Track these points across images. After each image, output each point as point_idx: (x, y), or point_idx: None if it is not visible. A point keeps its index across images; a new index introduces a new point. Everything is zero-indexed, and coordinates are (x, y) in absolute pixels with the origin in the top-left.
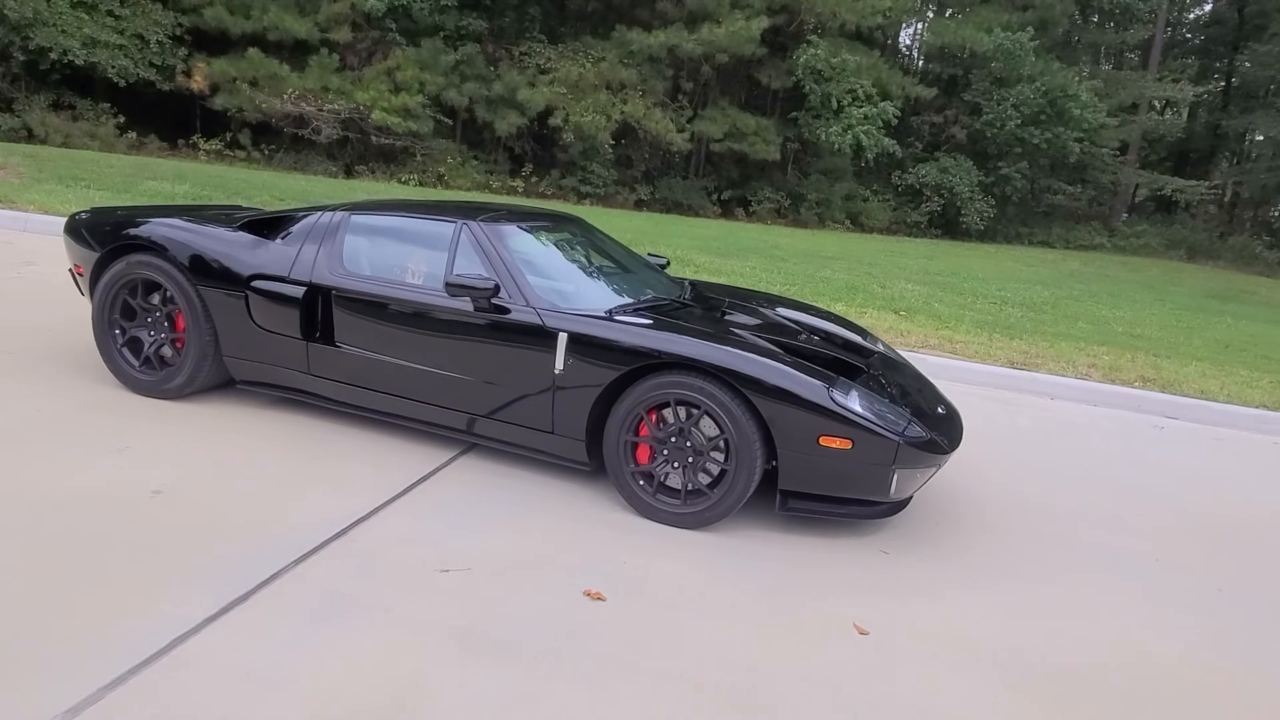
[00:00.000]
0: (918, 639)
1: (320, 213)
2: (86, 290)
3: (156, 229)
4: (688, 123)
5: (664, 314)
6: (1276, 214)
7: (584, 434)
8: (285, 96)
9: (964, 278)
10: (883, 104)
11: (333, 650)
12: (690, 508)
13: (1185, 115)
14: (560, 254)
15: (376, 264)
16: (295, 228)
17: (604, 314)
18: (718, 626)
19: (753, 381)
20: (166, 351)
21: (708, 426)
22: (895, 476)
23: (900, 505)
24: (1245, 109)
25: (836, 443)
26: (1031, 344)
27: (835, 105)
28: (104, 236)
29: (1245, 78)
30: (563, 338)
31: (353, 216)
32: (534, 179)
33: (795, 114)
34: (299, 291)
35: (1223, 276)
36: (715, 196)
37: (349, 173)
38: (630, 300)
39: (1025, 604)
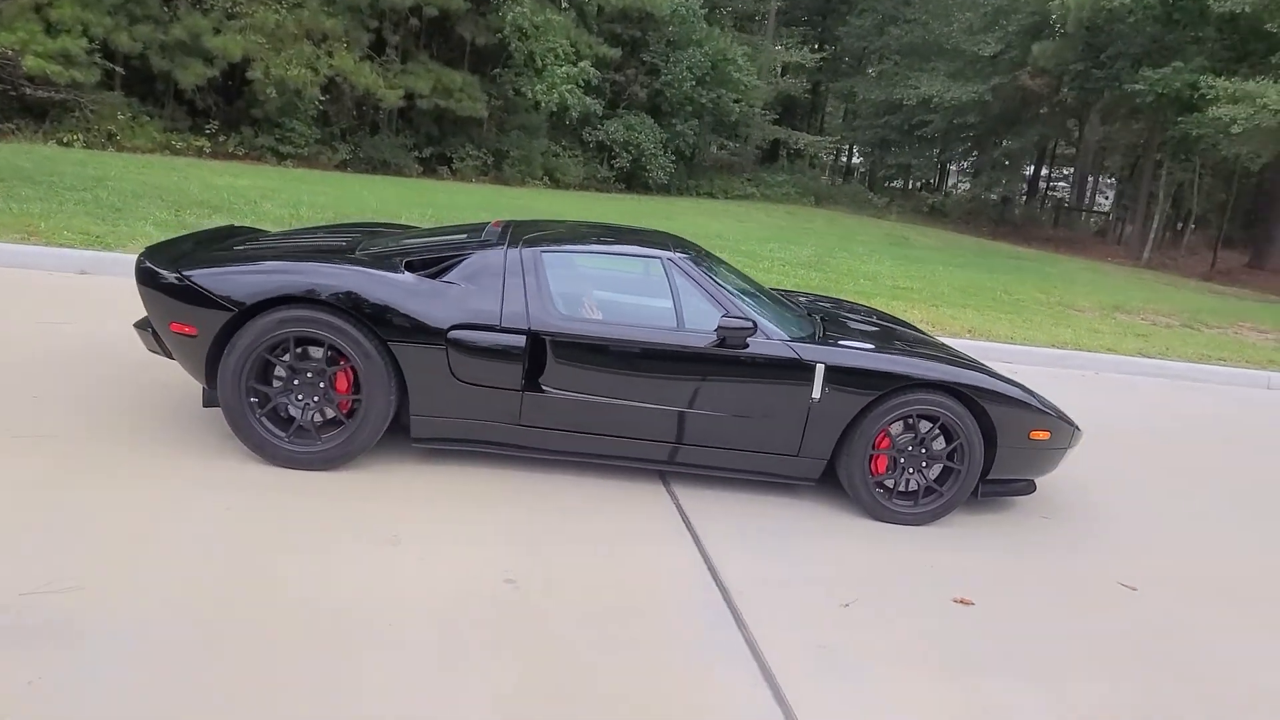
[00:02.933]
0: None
1: (483, 250)
2: (193, 354)
3: (325, 279)
4: (394, 78)
5: (864, 337)
6: (889, 166)
7: (829, 454)
8: None
9: (708, 238)
10: (581, 64)
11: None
12: (924, 508)
13: (805, 79)
14: (733, 283)
15: (596, 305)
16: (467, 268)
17: (856, 346)
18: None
19: (986, 393)
20: (317, 417)
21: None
22: (1065, 456)
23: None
24: (846, 74)
25: (1042, 435)
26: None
27: (539, 64)
28: (240, 290)
29: (843, 48)
30: (820, 368)
31: (543, 253)
32: (221, 138)
33: (498, 71)
34: (518, 340)
35: (881, 225)
36: (417, 155)
37: None
38: (813, 327)
39: None
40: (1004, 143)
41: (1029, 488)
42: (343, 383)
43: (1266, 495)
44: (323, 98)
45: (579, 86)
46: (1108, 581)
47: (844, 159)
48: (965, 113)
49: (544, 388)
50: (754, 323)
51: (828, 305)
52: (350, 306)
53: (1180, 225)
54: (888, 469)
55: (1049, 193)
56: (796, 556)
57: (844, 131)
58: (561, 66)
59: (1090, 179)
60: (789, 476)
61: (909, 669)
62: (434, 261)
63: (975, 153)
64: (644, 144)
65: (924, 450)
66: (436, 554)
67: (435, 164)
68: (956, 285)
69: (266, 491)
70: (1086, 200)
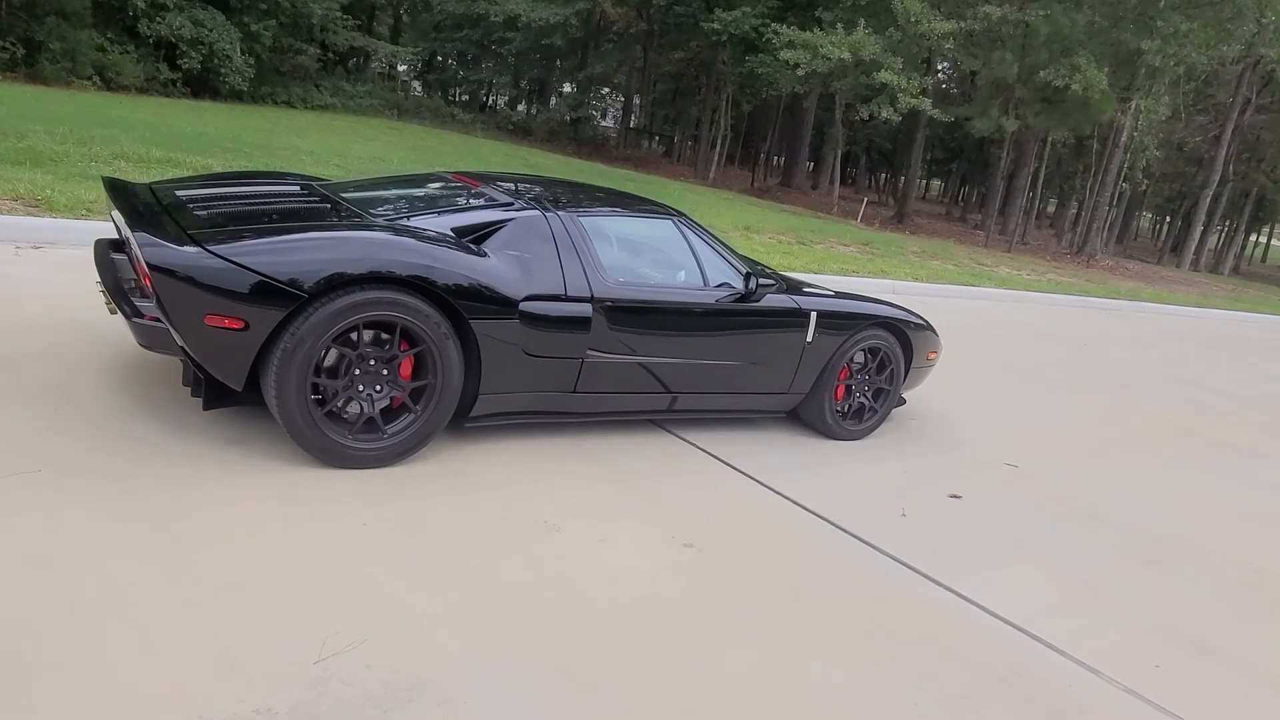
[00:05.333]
0: None
1: (524, 215)
2: (235, 351)
3: (402, 255)
4: None
5: (795, 284)
6: (470, 81)
7: (808, 388)
8: None
9: (363, 160)
10: None
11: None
12: (865, 424)
13: None
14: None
15: (634, 268)
16: (513, 235)
17: (831, 293)
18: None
19: (910, 324)
20: (377, 409)
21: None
22: None
23: None
24: None
25: (934, 355)
26: None
27: None
28: (305, 271)
29: None
30: (813, 315)
31: (582, 218)
32: None
33: None
34: (584, 309)
35: (490, 145)
36: None
37: None
38: (781, 279)
39: None
40: (586, 66)
41: (903, 401)
42: (406, 367)
43: (1030, 382)
44: None
45: None
46: (997, 464)
47: (421, 71)
48: (550, 34)
49: (601, 353)
50: (774, 278)
51: None
52: (428, 284)
53: (738, 150)
54: (843, 396)
55: (624, 116)
56: (842, 480)
57: (423, 43)
58: None
59: (638, 102)
60: (775, 411)
61: (962, 539)
62: (474, 229)
63: (558, 74)
64: (216, 43)
65: (868, 377)
66: (601, 533)
67: None
68: None
69: (361, 501)
70: (646, 123)
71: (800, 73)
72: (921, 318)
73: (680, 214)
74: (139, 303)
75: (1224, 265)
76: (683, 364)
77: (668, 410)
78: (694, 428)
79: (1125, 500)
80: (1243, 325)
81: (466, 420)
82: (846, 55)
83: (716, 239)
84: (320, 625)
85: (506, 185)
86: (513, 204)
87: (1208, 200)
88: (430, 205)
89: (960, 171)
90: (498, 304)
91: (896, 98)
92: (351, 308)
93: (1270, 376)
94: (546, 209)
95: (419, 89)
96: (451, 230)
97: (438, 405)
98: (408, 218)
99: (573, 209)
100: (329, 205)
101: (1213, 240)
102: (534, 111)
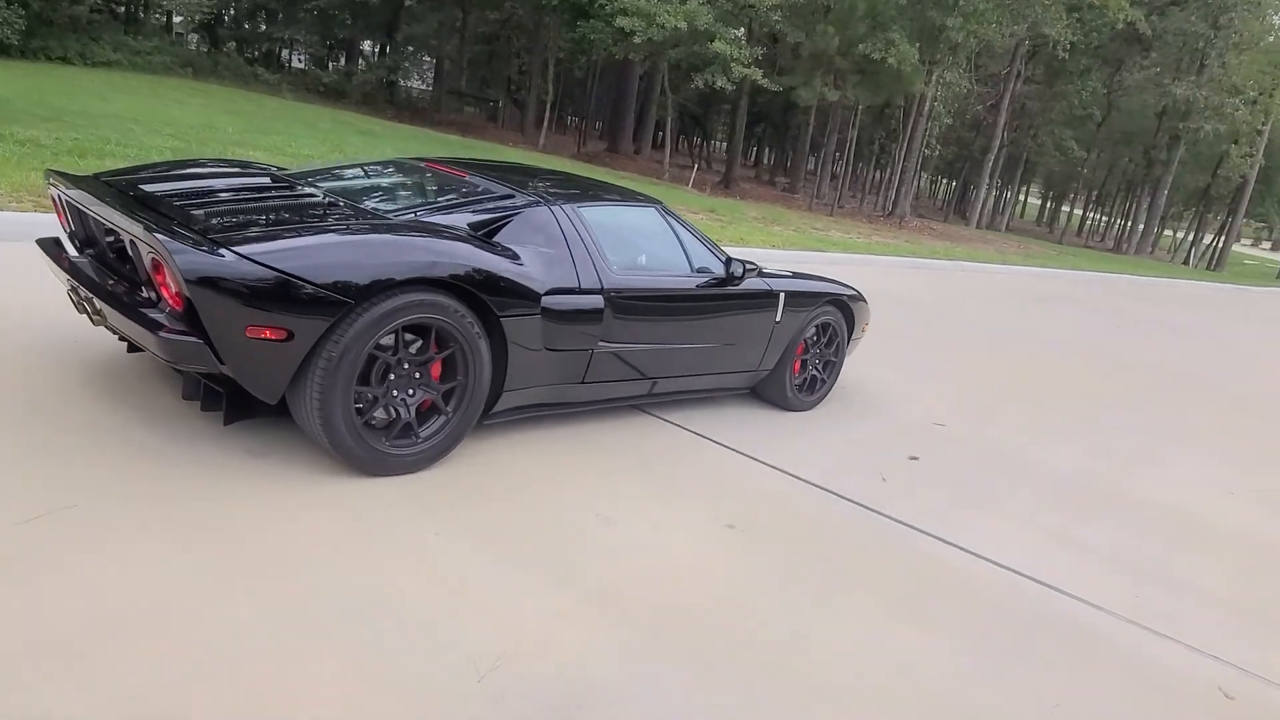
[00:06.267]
0: None
1: (527, 208)
2: (275, 364)
3: (442, 255)
4: None
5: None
6: (271, 39)
7: (774, 364)
8: None
9: (193, 130)
10: None
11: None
12: (817, 396)
13: None
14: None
15: (631, 257)
16: (522, 229)
17: (789, 274)
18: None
19: (854, 298)
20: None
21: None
22: None
23: None
24: None
25: (866, 325)
26: None
27: None
28: (354, 275)
29: None
30: (782, 295)
31: (581, 210)
32: None
33: None
34: (597, 301)
35: (312, 109)
36: None
37: None
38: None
39: None
40: (399, 26)
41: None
42: (436, 369)
43: (910, 344)
44: None
45: None
46: (927, 424)
47: (205, 25)
48: None
49: (608, 343)
50: (752, 263)
51: None
52: (467, 283)
53: (562, 116)
54: (800, 370)
55: (438, 79)
56: (818, 450)
57: None
58: None
59: (453, 66)
60: (742, 388)
61: (937, 497)
62: (486, 224)
63: (368, 33)
64: None
65: (819, 350)
66: (650, 521)
67: None
68: None
69: (419, 510)
70: (464, 87)
71: (637, 40)
72: (857, 290)
73: (659, 202)
74: (151, 313)
75: (1001, 222)
76: (673, 349)
77: (649, 395)
78: (669, 409)
79: (1039, 451)
80: (1056, 281)
81: (486, 417)
82: (683, 24)
83: (692, 226)
84: (456, 640)
85: (494, 175)
86: (514, 196)
87: (990, 164)
88: (431, 199)
89: (760, 137)
90: (526, 300)
91: (730, 67)
92: (394, 311)
93: (1106, 330)
94: (549, 201)
95: (198, 43)
96: (468, 226)
97: (469, 405)
98: (416, 214)
99: (570, 201)
100: (332, 201)
101: (990, 199)
102: (346, 72)
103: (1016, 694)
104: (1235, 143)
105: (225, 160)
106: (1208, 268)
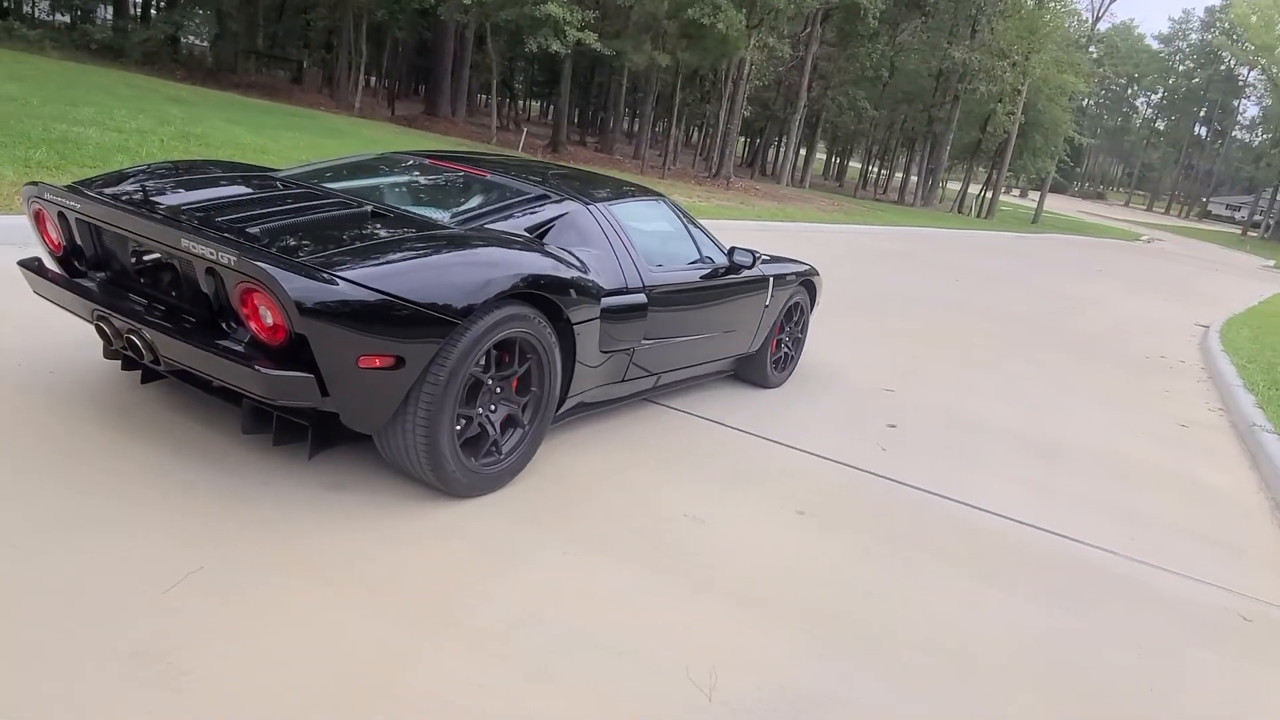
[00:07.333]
0: None
1: (567, 208)
2: (385, 392)
3: (530, 268)
4: None
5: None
6: None
7: (760, 345)
8: None
9: None
10: None
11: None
12: (787, 372)
13: None
14: None
15: (657, 253)
16: (567, 231)
17: (767, 256)
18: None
19: (814, 276)
20: (491, 430)
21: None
22: None
23: None
24: None
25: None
26: None
27: None
28: (455, 295)
29: None
30: (770, 280)
31: (613, 207)
32: None
33: None
34: (641, 299)
35: (100, 73)
36: None
37: None
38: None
39: None
40: None
41: None
42: (515, 382)
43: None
44: None
45: None
46: (879, 390)
47: None
48: None
49: (648, 340)
50: (755, 250)
51: None
52: (549, 292)
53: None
54: (776, 349)
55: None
56: (815, 425)
57: None
58: None
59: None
60: (728, 371)
61: (934, 461)
62: (534, 229)
63: None
64: None
65: (790, 328)
66: (729, 516)
67: None
68: (311, 145)
69: (532, 529)
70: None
71: (467, 1)
72: (813, 266)
73: (663, 195)
74: (235, 346)
75: (805, 180)
76: (694, 339)
77: (682, 382)
78: (668, 397)
79: (979, 408)
80: (887, 239)
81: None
82: None
83: (692, 216)
84: (661, 662)
85: (514, 173)
86: (549, 197)
87: (797, 124)
88: (480, 205)
89: (562, 96)
90: (592, 304)
91: (564, 31)
92: (493, 328)
93: (950, 284)
94: (584, 201)
95: None
96: (524, 232)
97: (543, 416)
98: (482, 224)
99: (600, 199)
100: (382, 211)
101: (796, 158)
102: (118, 28)
103: (1107, 640)
104: (1000, 102)
105: (195, 161)
106: (981, 216)
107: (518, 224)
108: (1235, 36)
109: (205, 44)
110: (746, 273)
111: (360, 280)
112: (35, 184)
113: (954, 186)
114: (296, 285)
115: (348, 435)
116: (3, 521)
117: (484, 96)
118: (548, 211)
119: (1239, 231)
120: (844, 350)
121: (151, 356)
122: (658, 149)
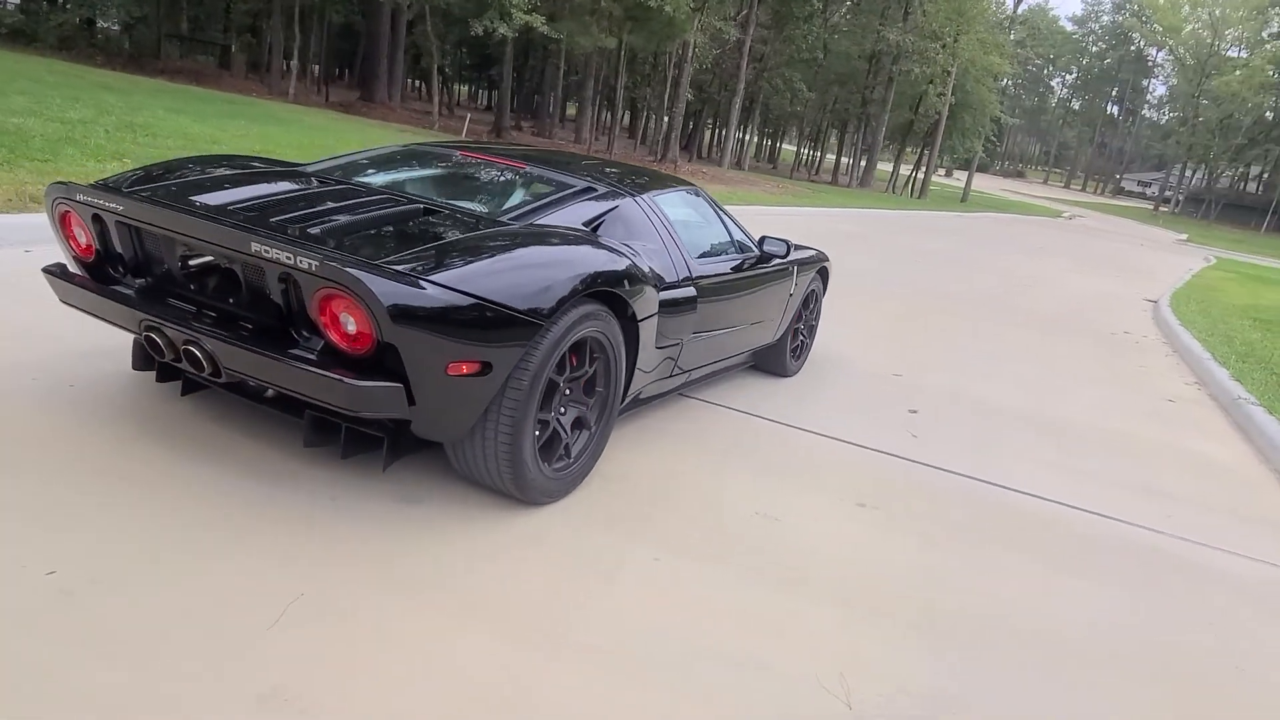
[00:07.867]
0: None
1: (620, 201)
2: (470, 399)
3: (602, 266)
4: None
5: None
6: None
7: (782, 334)
8: None
9: None
10: None
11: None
12: (802, 360)
13: None
14: None
15: (697, 243)
16: (619, 223)
17: (790, 243)
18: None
19: (827, 261)
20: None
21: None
22: None
23: None
24: None
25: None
26: None
27: None
28: (540, 296)
29: None
30: (795, 267)
31: (656, 198)
32: None
33: None
34: (691, 291)
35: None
36: None
37: None
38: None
39: None
40: None
41: None
42: (583, 382)
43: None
44: None
45: None
46: (888, 375)
47: None
48: None
49: (695, 333)
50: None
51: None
52: (619, 289)
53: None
54: (794, 337)
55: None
56: (845, 414)
57: None
58: None
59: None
60: (754, 360)
61: (960, 446)
62: (589, 222)
63: None
64: None
65: (805, 316)
66: (799, 512)
67: None
68: (260, 134)
69: (617, 537)
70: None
71: None
72: (824, 252)
73: (692, 183)
74: (302, 353)
75: (745, 162)
76: (732, 330)
77: (712, 375)
78: (697, 390)
79: (981, 389)
80: (841, 221)
81: None
82: None
83: (722, 205)
84: (783, 671)
85: (552, 165)
86: (594, 189)
87: (737, 107)
88: (529, 199)
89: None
90: (654, 300)
91: (510, 13)
92: (572, 328)
93: (905, 264)
94: (632, 193)
95: None
96: (582, 226)
97: (609, 416)
98: (517, 216)
99: (643, 190)
100: (433, 208)
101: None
102: (27, 10)
103: (1184, 622)
104: (931, 83)
105: (217, 157)
106: (913, 196)
107: (571, 218)
108: (1145, 18)
109: (117, 28)
110: (776, 262)
111: (449, 284)
112: (63, 184)
113: (884, 167)
114: (387, 291)
115: (419, 445)
116: (116, 557)
117: (414, 81)
118: (599, 205)
119: (1151, 207)
120: (841, 335)
121: (211, 369)
122: (597, 133)
